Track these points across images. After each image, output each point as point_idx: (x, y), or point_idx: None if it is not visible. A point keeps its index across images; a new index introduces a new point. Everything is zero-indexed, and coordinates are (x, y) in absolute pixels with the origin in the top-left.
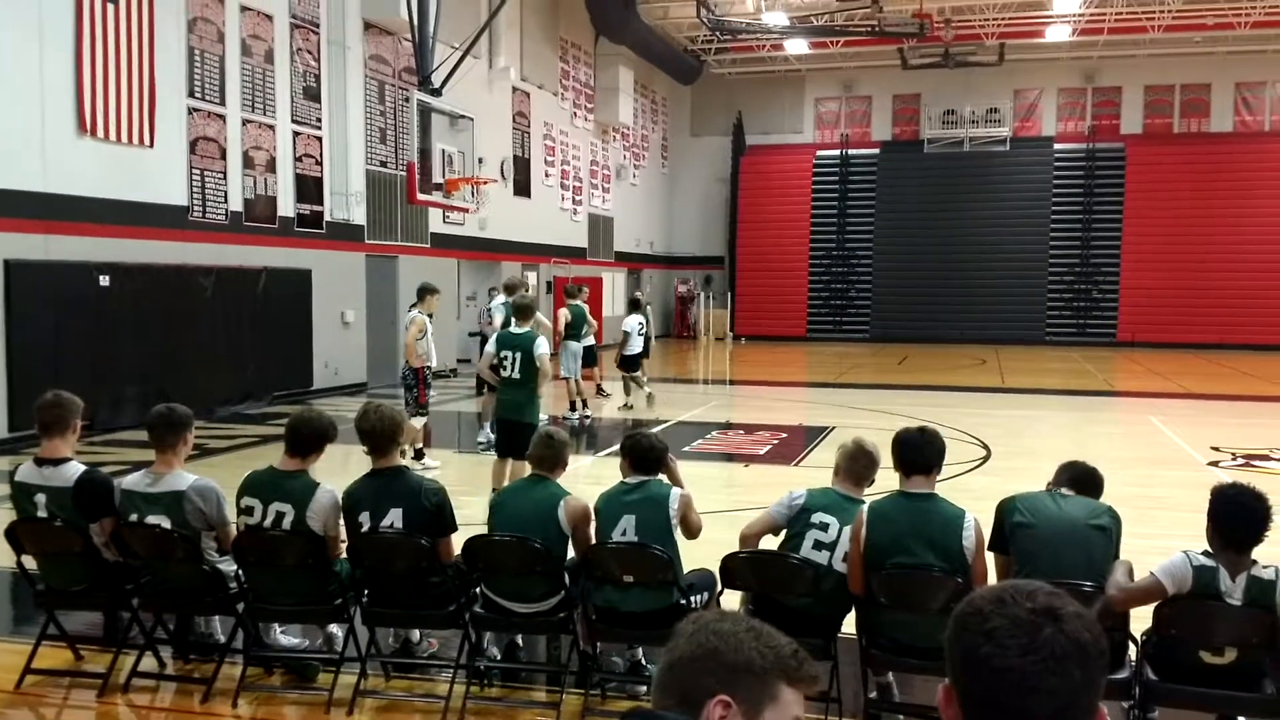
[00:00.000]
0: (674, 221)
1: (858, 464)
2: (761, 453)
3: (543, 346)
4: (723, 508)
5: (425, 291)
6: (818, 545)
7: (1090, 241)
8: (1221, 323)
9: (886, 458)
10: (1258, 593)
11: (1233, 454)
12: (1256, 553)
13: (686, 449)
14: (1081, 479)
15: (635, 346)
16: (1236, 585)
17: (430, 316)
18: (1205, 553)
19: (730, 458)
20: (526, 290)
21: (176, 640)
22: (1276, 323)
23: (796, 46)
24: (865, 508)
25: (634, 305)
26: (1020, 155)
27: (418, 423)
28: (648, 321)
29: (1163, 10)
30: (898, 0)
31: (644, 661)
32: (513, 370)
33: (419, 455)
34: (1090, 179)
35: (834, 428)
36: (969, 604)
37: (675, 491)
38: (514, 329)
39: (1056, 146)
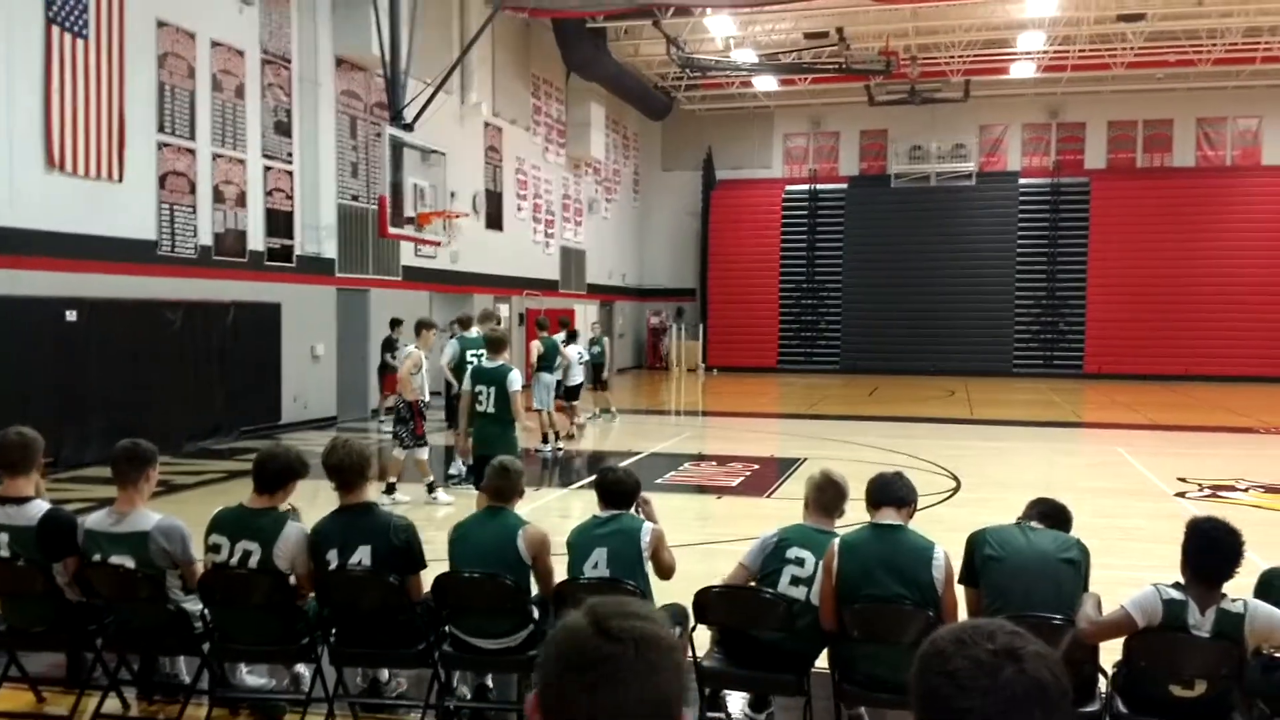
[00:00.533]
0: (646, 254)
1: (825, 495)
2: (734, 484)
3: (517, 382)
4: (696, 540)
5: (423, 326)
6: (795, 581)
7: (1056, 274)
8: (1186, 354)
9: (857, 489)
10: (1226, 626)
11: (1199, 485)
12: (1226, 585)
13: (659, 481)
14: (1051, 514)
15: (576, 377)
16: (1206, 618)
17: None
18: (1175, 585)
19: (703, 489)
20: (498, 323)
21: (141, 681)
22: (1240, 354)
23: (765, 83)
24: (836, 540)
25: (571, 335)
26: (986, 190)
27: (422, 454)
28: (603, 350)
29: (1125, 48)
30: (864, 38)
31: None
32: (488, 404)
33: (390, 489)
34: (1055, 213)
35: (806, 459)
36: (931, 644)
37: (647, 525)
38: (487, 363)
39: (1022, 181)
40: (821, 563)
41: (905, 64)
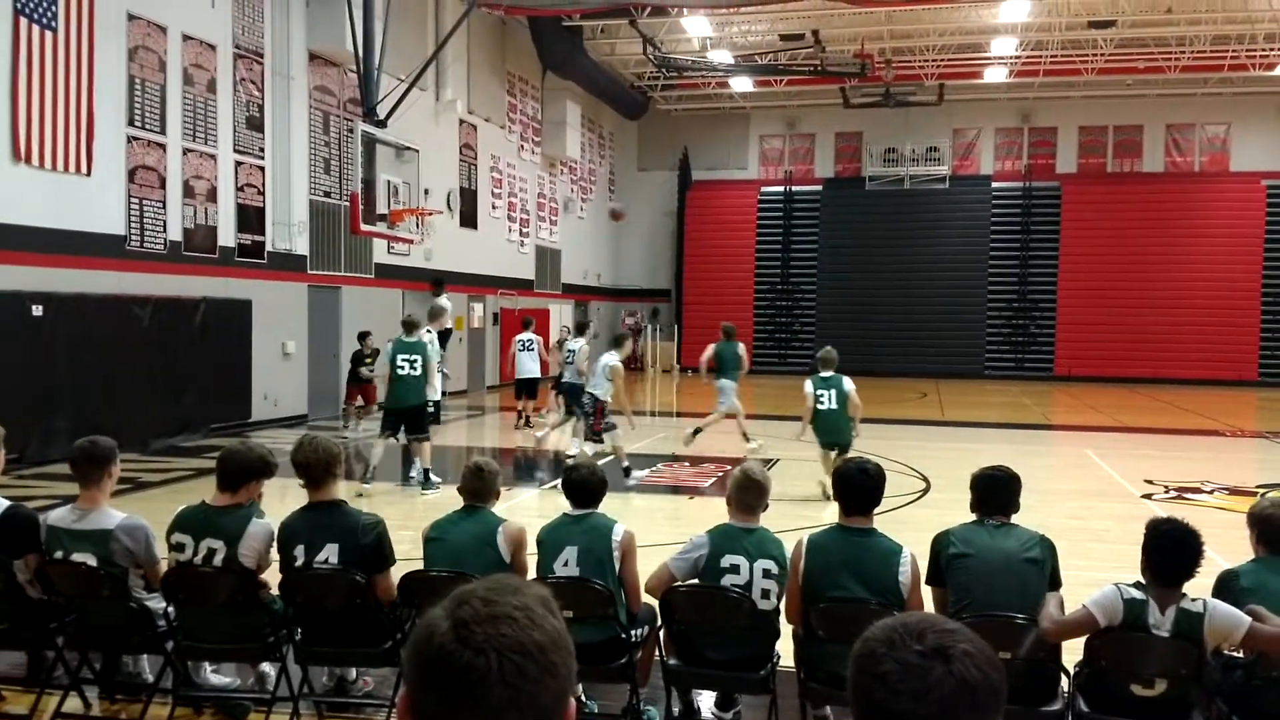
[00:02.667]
0: (621, 254)
1: (747, 495)
2: (706, 485)
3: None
4: (669, 540)
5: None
6: (734, 588)
7: (1027, 278)
8: (1154, 357)
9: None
10: (1186, 625)
11: (1165, 487)
12: (1187, 585)
13: (632, 481)
14: (989, 486)
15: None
16: (1166, 618)
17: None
18: (1136, 585)
19: (676, 490)
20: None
21: (103, 680)
22: (1207, 357)
23: (741, 84)
24: (805, 539)
25: (525, 324)
26: (959, 193)
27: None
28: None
29: (1096, 54)
30: (840, 40)
31: (583, 697)
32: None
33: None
34: (1027, 217)
35: (778, 459)
36: (864, 644)
37: (619, 526)
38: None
39: (994, 185)
40: (763, 564)
41: (880, 67)
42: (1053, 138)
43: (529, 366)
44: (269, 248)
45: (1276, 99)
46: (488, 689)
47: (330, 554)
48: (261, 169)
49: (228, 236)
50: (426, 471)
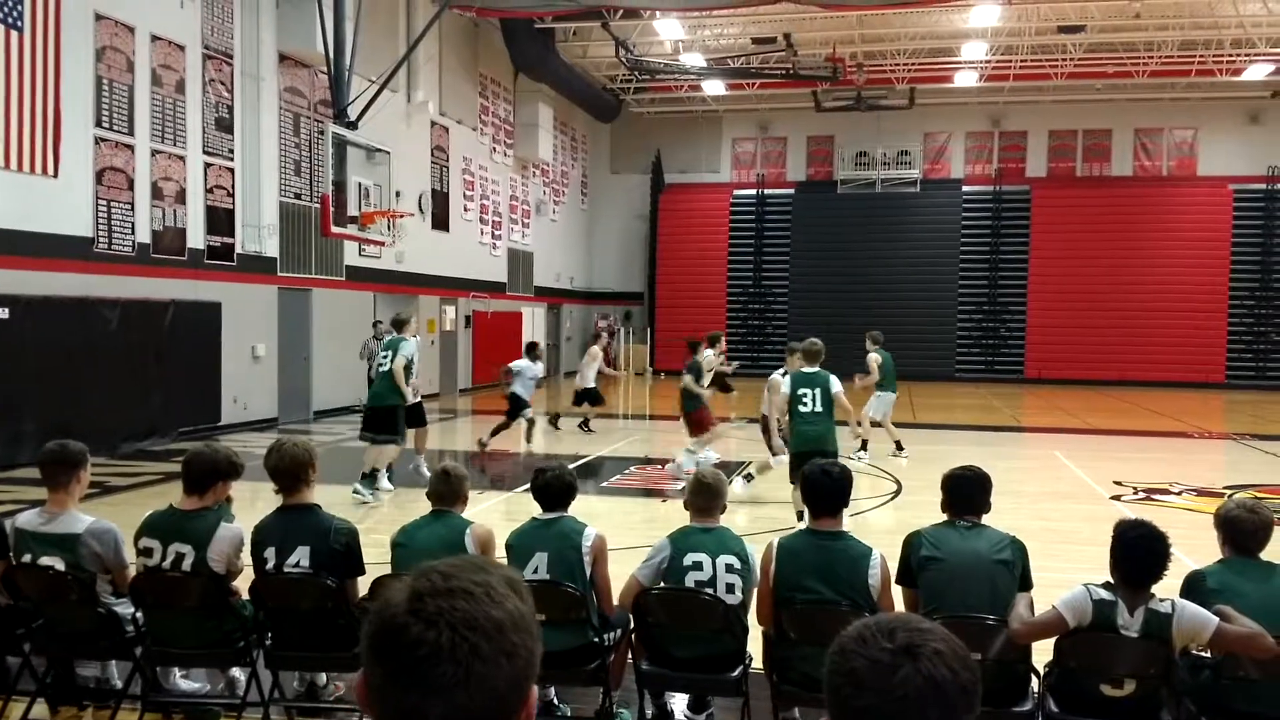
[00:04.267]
0: (594, 257)
1: (700, 498)
2: (679, 488)
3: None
4: (641, 543)
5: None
6: (698, 585)
7: (998, 281)
8: (1123, 360)
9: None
10: (1154, 626)
11: (1134, 488)
12: (1155, 586)
13: (605, 484)
14: (957, 489)
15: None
16: (1135, 619)
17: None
18: (1105, 585)
19: (649, 493)
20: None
21: (69, 686)
22: (1176, 360)
23: (714, 87)
24: (775, 543)
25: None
26: (930, 196)
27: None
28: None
29: (1065, 59)
30: (811, 44)
31: (555, 701)
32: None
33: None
34: (997, 220)
35: (750, 462)
36: (837, 643)
37: (590, 530)
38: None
39: (965, 188)
40: (725, 560)
41: (851, 71)
42: (1023, 141)
43: (587, 375)
44: (239, 250)
45: (1243, 104)
46: (436, 664)
47: (301, 557)
48: (231, 170)
49: (197, 238)
50: (373, 473)
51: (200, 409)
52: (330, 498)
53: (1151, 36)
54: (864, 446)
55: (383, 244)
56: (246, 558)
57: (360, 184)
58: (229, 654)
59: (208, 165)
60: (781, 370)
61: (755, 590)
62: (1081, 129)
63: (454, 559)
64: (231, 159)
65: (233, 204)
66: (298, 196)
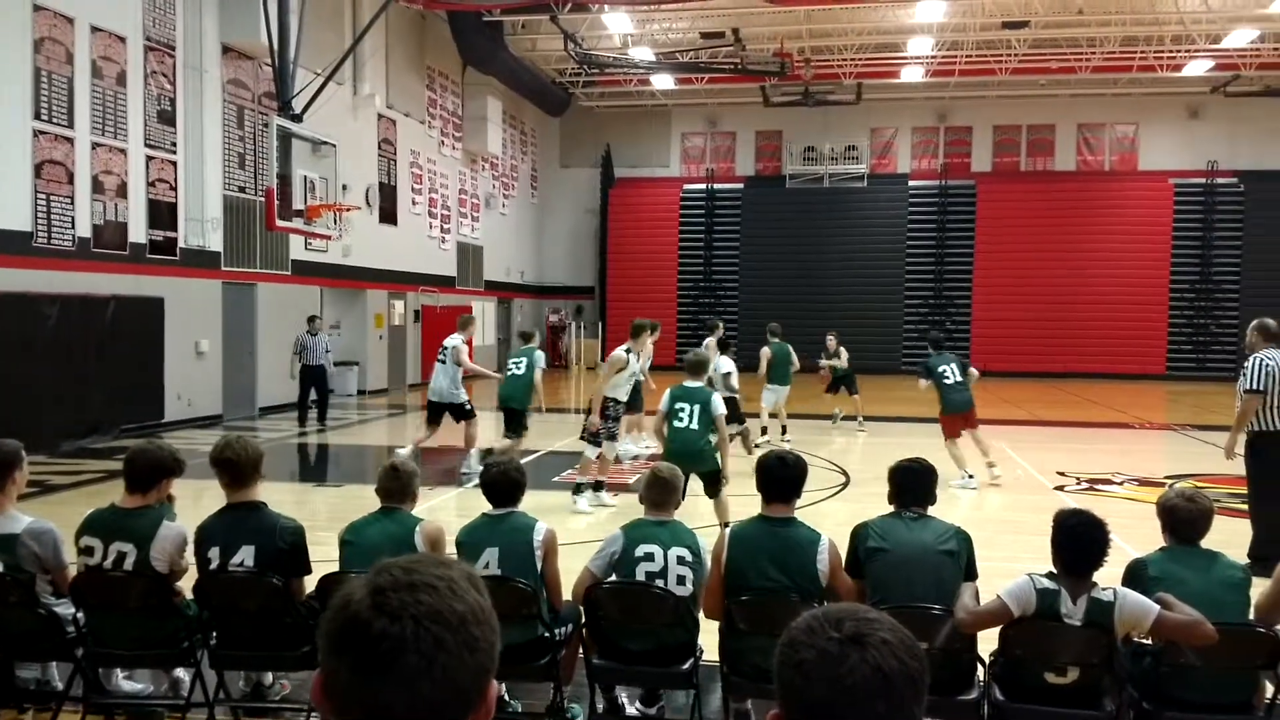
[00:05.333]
0: (544, 251)
1: (654, 492)
2: (630, 482)
3: None
4: (592, 538)
5: (640, 330)
6: (649, 576)
7: (944, 275)
8: (1067, 352)
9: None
10: (1097, 614)
11: (1078, 478)
12: (1098, 575)
13: (556, 479)
14: (904, 480)
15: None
16: (1077, 607)
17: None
18: (1048, 575)
19: (600, 486)
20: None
21: (8, 688)
22: (1118, 351)
23: (663, 82)
24: (727, 530)
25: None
26: (877, 191)
27: (591, 452)
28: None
29: (1010, 54)
30: (759, 39)
31: (506, 697)
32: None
33: (598, 486)
34: (943, 215)
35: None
36: (786, 634)
37: (540, 524)
38: None
39: (911, 183)
40: (676, 552)
41: (799, 66)
42: (968, 137)
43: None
44: (181, 244)
45: (1183, 99)
46: (400, 656)
47: (246, 556)
48: (174, 164)
49: (138, 233)
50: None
51: (143, 406)
52: (276, 495)
53: (1094, 32)
54: (764, 432)
55: (329, 238)
56: (190, 556)
57: (306, 177)
58: (173, 654)
59: (150, 158)
60: (625, 347)
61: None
62: (1026, 124)
63: (413, 555)
64: (174, 152)
65: (175, 198)
66: (242, 190)
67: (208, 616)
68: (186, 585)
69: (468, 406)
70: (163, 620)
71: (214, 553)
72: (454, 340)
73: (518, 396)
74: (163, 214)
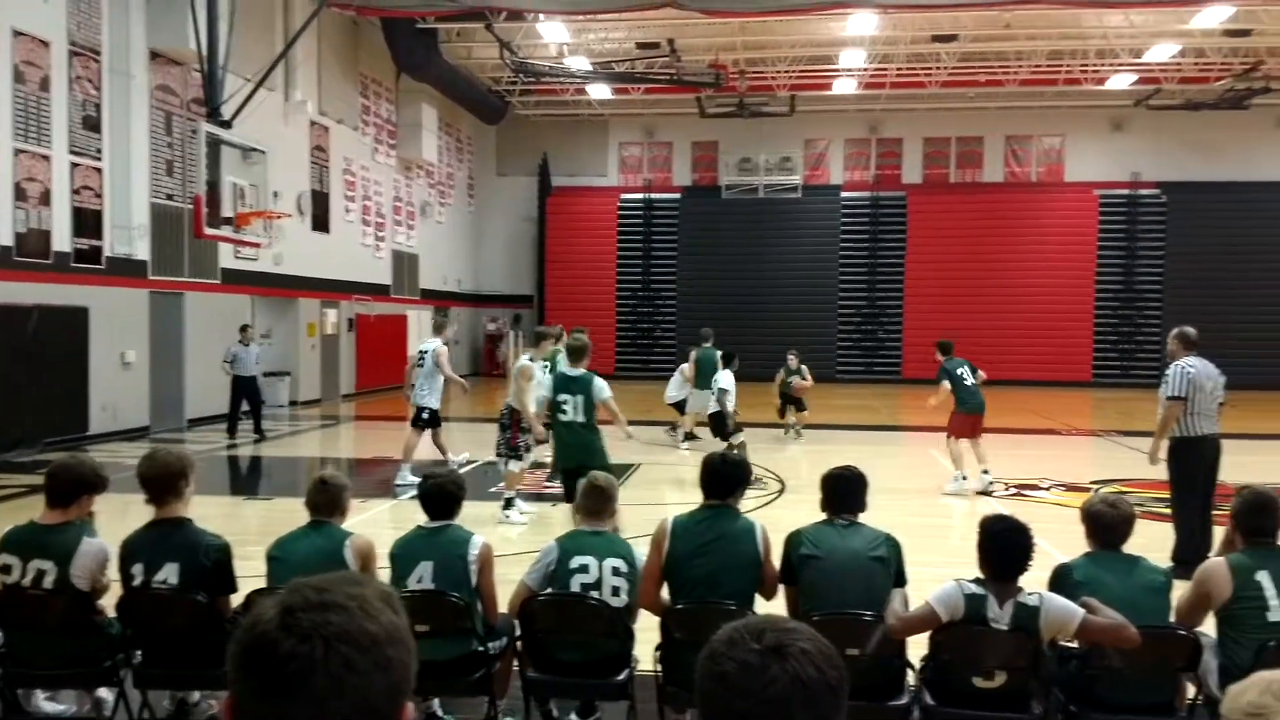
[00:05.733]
0: (481, 259)
1: (590, 500)
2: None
3: None
4: (530, 548)
5: (541, 337)
6: (584, 587)
7: (876, 284)
8: (995, 360)
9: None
10: (1023, 618)
11: (1006, 484)
12: (1025, 580)
13: (492, 489)
14: (835, 488)
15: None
16: (1004, 612)
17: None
18: (976, 580)
19: (539, 498)
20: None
21: None
22: (1046, 359)
23: (599, 91)
24: (669, 519)
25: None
26: (811, 202)
27: (514, 466)
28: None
29: (939, 67)
30: (695, 50)
31: (439, 713)
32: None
33: (508, 504)
34: (875, 225)
35: (639, 464)
36: (708, 648)
37: (477, 538)
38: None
39: (844, 194)
40: (611, 562)
41: (734, 77)
42: (899, 148)
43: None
44: (107, 252)
45: (1107, 112)
46: (309, 678)
47: (170, 574)
48: (99, 171)
49: (63, 241)
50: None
51: (67, 418)
52: (204, 509)
53: (1021, 46)
54: (684, 435)
55: (259, 246)
56: (113, 573)
57: (236, 184)
58: (95, 674)
59: (74, 165)
60: (528, 356)
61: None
62: (955, 136)
63: (327, 574)
64: (99, 159)
65: (101, 205)
66: (170, 197)
67: (131, 635)
68: (109, 603)
69: (425, 415)
70: (84, 639)
71: (138, 569)
72: (434, 344)
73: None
74: (88, 222)
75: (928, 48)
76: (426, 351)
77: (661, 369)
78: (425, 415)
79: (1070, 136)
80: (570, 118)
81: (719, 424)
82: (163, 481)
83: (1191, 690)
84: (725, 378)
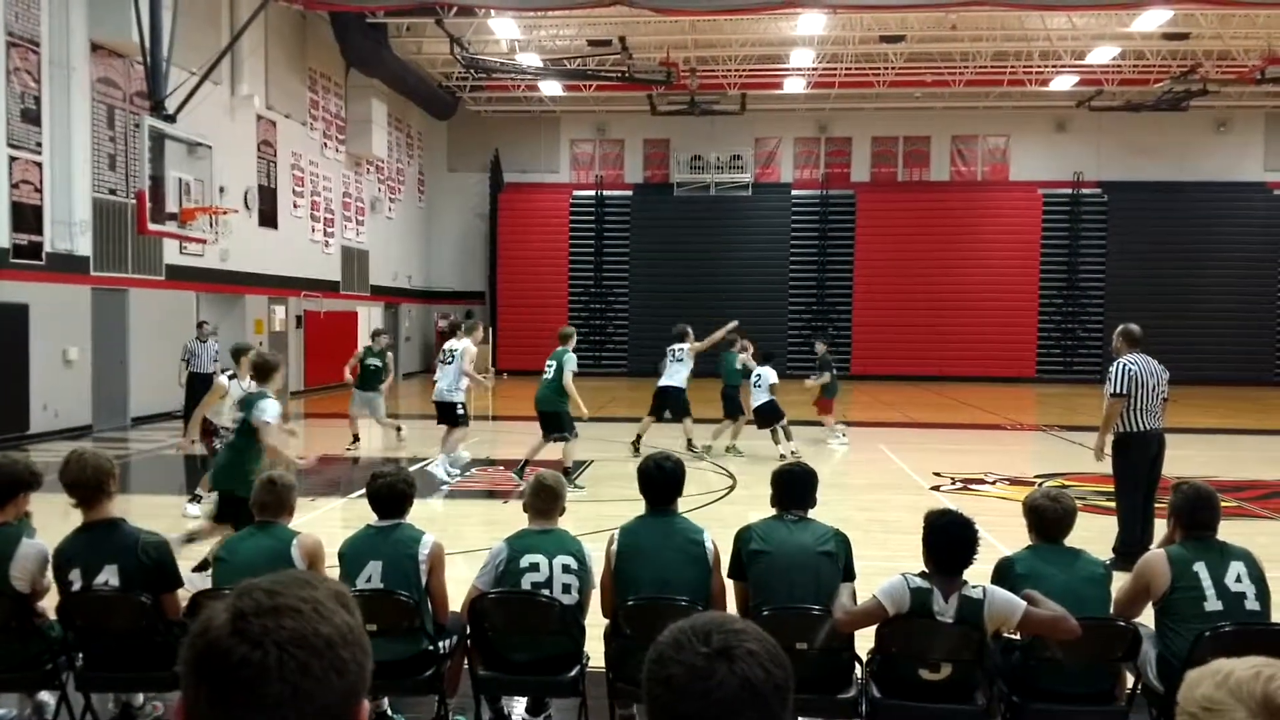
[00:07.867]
0: (432, 256)
1: (539, 499)
2: (522, 488)
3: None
4: (483, 545)
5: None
6: (535, 586)
7: (825, 282)
8: (942, 356)
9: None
10: (968, 611)
11: (952, 478)
12: (970, 572)
13: (445, 485)
14: (785, 484)
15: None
16: (949, 605)
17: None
18: (921, 574)
19: (491, 494)
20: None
21: None
22: (991, 355)
23: (551, 88)
24: (616, 531)
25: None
26: (761, 200)
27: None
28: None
29: (887, 68)
30: (646, 48)
31: (389, 712)
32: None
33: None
34: (824, 223)
35: (592, 461)
36: (654, 650)
37: (427, 537)
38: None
39: (794, 192)
40: (562, 560)
41: (685, 75)
42: (847, 147)
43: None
44: (48, 248)
45: (1051, 113)
46: (263, 684)
47: (110, 576)
48: (39, 165)
49: (1, 237)
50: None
51: (7, 417)
52: (151, 510)
53: (967, 47)
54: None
55: (205, 241)
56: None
57: (180, 179)
58: (36, 677)
59: (13, 159)
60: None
61: (593, 589)
62: (902, 135)
63: (277, 575)
64: (39, 152)
65: (41, 200)
66: (113, 192)
67: (73, 638)
68: (49, 605)
69: (460, 411)
70: (25, 642)
71: (75, 575)
72: (462, 343)
73: (550, 398)
74: (27, 217)
75: (876, 48)
76: (455, 351)
77: (614, 364)
78: (460, 410)
79: (1015, 137)
80: (522, 114)
81: (769, 415)
82: (90, 483)
83: (1130, 679)
84: (769, 373)
